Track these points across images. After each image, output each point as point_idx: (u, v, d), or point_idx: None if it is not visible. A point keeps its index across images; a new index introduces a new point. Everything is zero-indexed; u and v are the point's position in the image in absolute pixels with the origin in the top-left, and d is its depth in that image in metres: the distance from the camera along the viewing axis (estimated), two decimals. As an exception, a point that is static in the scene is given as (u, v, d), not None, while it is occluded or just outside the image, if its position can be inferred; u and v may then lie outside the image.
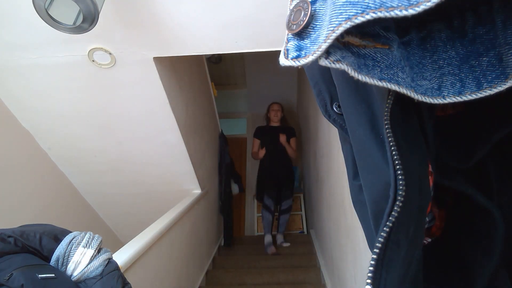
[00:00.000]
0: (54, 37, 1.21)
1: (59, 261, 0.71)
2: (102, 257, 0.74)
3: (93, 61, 1.34)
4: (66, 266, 0.71)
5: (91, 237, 0.76)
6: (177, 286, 1.93)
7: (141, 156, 2.00)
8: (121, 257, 1.20)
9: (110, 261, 0.76)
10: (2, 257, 0.63)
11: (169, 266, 1.81)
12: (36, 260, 0.68)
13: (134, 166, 2.07)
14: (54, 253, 0.71)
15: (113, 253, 1.23)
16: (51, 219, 1.83)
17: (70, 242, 0.73)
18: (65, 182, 2.04)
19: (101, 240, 0.78)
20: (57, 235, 0.74)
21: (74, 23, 0.90)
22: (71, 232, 0.77)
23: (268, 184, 3.32)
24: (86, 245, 0.74)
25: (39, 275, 0.62)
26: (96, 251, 0.75)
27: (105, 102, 1.60)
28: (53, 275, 0.65)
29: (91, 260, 0.72)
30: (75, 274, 0.70)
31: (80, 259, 0.72)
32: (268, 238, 3.16)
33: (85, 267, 0.71)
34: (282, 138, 3.29)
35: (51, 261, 0.71)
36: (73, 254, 0.72)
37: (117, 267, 0.76)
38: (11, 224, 0.74)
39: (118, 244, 2.31)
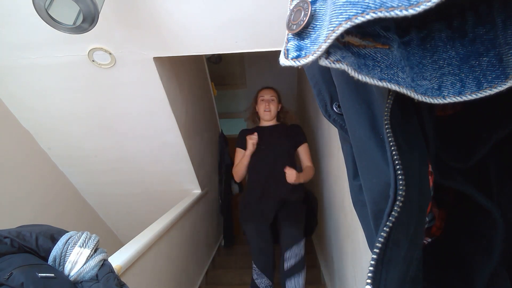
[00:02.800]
0: (54, 37, 1.21)
1: (56, 261, 0.71)
2: (98, 258, 0.74)
3: (93, 61, 1.34)
4: (63, 266, 0.71)
5: (87, 236, 0.76)
6: (177, 286, 1.93)
7: (141, 156, 2.00)
8: (121, 257, 1.20)
9: (104, 263, 0.76)
10: (2, 258, 0.63)
11: (169, 266, 1.81)
12: (35, 260, 0.68)
13: (134, 166, 2.07)
14: (51, 253, 0.71)
15: (113, 253, 1.23)
16: (51, 219, 1.83)
17: (66, 242, 0.73)
18: (65, 182, 2.03)
19: (98, 240, 0.78)
20: (54, 235, 0.74)
21: (74, 23, 0.90)
22: (67, 232, 0.77)
23: (256, 235, 1.83)
24: (83, 244, 0.74)
25: (39, 274, 0.62)
26: (93, 251, 0.75)
27: (105, 102, 1.60)
28: (53, 274, 0.65)
29: (88, 260, 0.72)
30: (72, 274, 0.70)
31: (77, 258, 0.71)
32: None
33: (81, 267, 0.71)
34: (291, 177, 1.74)
35: (49, 261, 0.71)
36: (70, 253, 0.72)
37: (111, 269, 0.76)
38: (11, 225, 0.74)
39: (118, 244, 2.31)
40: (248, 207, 1.91)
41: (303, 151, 1.98)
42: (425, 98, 0.27)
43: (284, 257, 1.77)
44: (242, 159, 1.94)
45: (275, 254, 1.87)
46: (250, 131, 2.03)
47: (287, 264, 1.75)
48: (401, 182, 0.27)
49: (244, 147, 1.96)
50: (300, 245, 1.78)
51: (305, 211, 1.96)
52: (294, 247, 1.77)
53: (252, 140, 1.87)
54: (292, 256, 1.76)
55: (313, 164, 2.00)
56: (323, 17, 0.25)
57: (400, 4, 0.20)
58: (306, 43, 0.26)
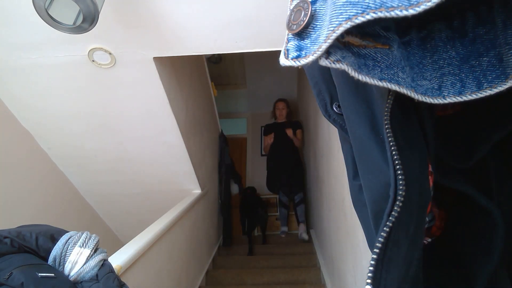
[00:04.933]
0: (54, 37, 1.21)
1: (56, 261, 0.71)
2: (98, 258, 0.74)
3: (93, 61, 1.34)
4: (63, 266, 0.71)
5: (87, 236, 0.76)
6: (177, 286, 1.93)
7: (141, 156, 2.00)
8: (121, 257, 1.20)
9: (104, 263, 0.76)
10: (2, 258, 0.63)
11: (169, 266, 1.81)
12: (35, 259, 0.68)
13: (134, 166, 2.07)
14: (51, 253, 0.71)
15: (113, 253, 1.23)
16: (51, 219, 1.83)
17: (66, 242, 0.73)
18: (65, 182, 2.04)
19: (98, 240, 0.78)
20: (54, 235, 0.74)
21: (74, 23, 0.90)
22: (67, 232, 0.77)
23: (280, 180, 3.61)
24: (83, 244, 0.74)
25: (39, 274, 0.62)
26: (93, 251, 0.74)
27: (105, 102, 1.60)
28: (53, 274, 0.65)
29: (88, 260, 0.72)
30: (72, 274, 0.70)
31: (77, 259, 0.71)
32: (283, 229, 3.69)
33: (81, 267, 0.71)
34: (289, 132, 3.62)
35: (49, 261, 0.71)
36: (70, 254, 0.71)
37: (111, 269, 0.76)
38: (11, 225, 0.74)
39: (118, 244, 2.31)
40: (272, 167, 3.73)
41: (298, 132, 3.72)
42: (425, 98, 0.27)
43: (294, 198, 3.58)
44: (267, 146, 3.81)
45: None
46: (271, 125, 3.87)
47: (296, 201, 3.56)
48: (401, 182, 0.27)
49: (268, 135, 3.80)
50: (301, 193, 3.57)
51: (301, 173, 3.71)
52: (299, 194, 3.57)
53: (271, 139, 3.76)
54: (297, 197, 3.56)
55: (302, 142, 3.78)
56: (323, 17, 0.25)
57: (400, 4, 0.20)
58: (306, 43, 0.26)
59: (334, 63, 0.25)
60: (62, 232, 0.77)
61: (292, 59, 0.26)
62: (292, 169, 3.59)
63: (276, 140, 3.69)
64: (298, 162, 3.69)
